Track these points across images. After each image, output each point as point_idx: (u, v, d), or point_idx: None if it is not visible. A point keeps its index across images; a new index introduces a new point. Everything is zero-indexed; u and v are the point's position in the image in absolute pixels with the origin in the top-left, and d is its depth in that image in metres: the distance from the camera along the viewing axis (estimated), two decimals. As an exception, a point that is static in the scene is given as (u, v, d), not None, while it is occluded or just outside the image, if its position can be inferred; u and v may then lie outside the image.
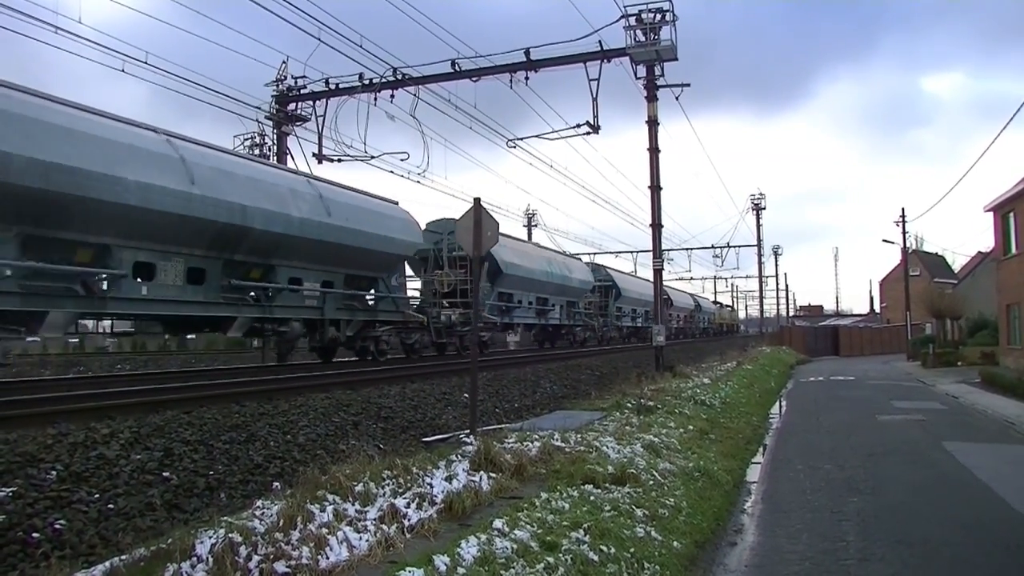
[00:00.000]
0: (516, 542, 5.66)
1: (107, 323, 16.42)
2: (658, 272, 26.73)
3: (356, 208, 19.38)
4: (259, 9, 18.75)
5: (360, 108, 26.32)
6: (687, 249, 64.37)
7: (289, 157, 28.36)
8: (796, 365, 44.70)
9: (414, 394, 14.67)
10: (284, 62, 28.23)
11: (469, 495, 6.86)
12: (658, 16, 23.59)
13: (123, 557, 5.42)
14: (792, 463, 11.90)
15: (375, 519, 5.99)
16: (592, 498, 7.22)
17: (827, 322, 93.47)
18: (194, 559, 4.94)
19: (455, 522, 6.31)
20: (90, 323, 16.65)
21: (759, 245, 67.32)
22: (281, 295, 17.06)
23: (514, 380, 19.24)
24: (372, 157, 26.86)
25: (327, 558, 5.14)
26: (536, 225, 58.27)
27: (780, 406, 22.10)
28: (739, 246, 65.13)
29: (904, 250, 52.82)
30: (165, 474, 8.24)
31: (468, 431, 10.22)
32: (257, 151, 28.95)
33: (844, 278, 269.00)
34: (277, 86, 28.37)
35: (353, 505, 6.23)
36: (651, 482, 8.32)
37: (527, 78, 24.90)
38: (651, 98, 24.86)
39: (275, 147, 29.01)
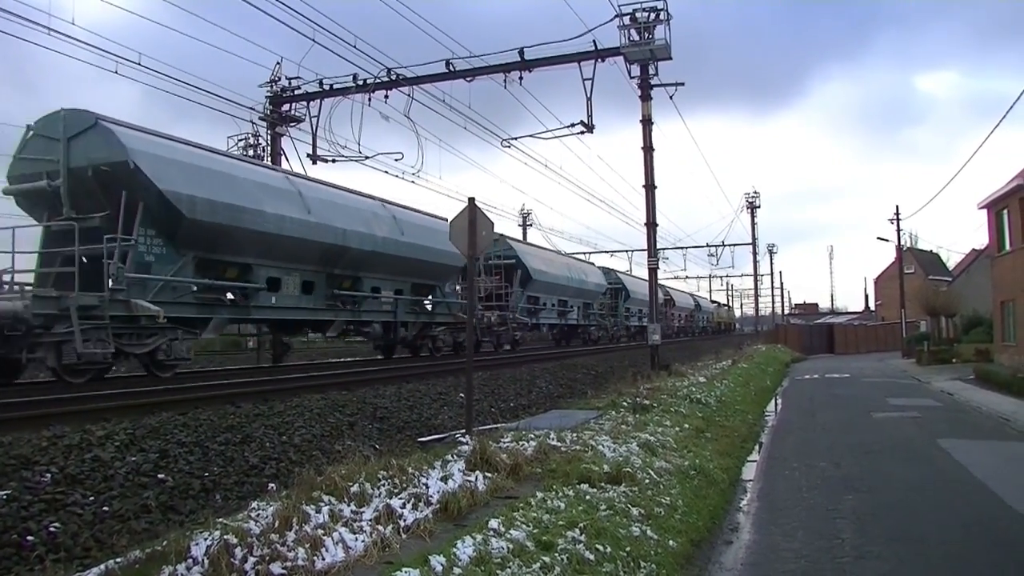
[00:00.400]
0: (512, 542, 5.66)
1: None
2: (653, 271, 26.78)
3: (421, 227, 22.42)
4: (253, 10, 18.74)
5: (354, 108, 26.33)
6: (682, 248, 64.60)
7: (283, 158, 28.33)
8: (791, 363, 44.79)
9: (410, 394, 14.66)
10: (278, 63, 28.25)
11: (465, 495, 6.86)
12: (652, 15, 23.56)
13: (118, 559, 5.41)
14: (788, 461, 11.92)
15: (371, 520, 5.99)
16: (588, 497, 7.23)
17: (822, 320, 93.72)
18: (189, 561, 4.93)
19: (451, 522, 6.31)
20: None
21: (754, 243, 67.63)
22: (366, 302, 20.24)
23: (510, 380, 19.24)
24: (366, 157, 26.88)
25: (323, 559, 5.14)
26: (531, 225, 58.40)
27: (776, 404, 22.14)
28: (734, 245, 65.34)
29: (899, 247, 53.01)
30: (160, 476, 8.22)
31: (464, 431, 10.22)
32: (251, 152, 28.94)
33: (839, 276, 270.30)
34: (271, 87, 28.33)
35: (349, 506, 6.22)
36: (647, 481, 8.32)
37: (521, 78, 24.88)
38: (645, 97, 24.86)
39: (269, 148, 28.98)
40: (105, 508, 7.26)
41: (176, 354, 14.44)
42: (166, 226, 14.33)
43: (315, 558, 5.11)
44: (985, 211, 33.69)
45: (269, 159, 28.03)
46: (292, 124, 28.62)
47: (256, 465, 9.40)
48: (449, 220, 11.22)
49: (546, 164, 35.28)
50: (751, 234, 67.86)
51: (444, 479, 7.22)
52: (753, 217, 67.83)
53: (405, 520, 6.11)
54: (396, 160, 26.78)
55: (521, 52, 24.57)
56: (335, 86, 26.86)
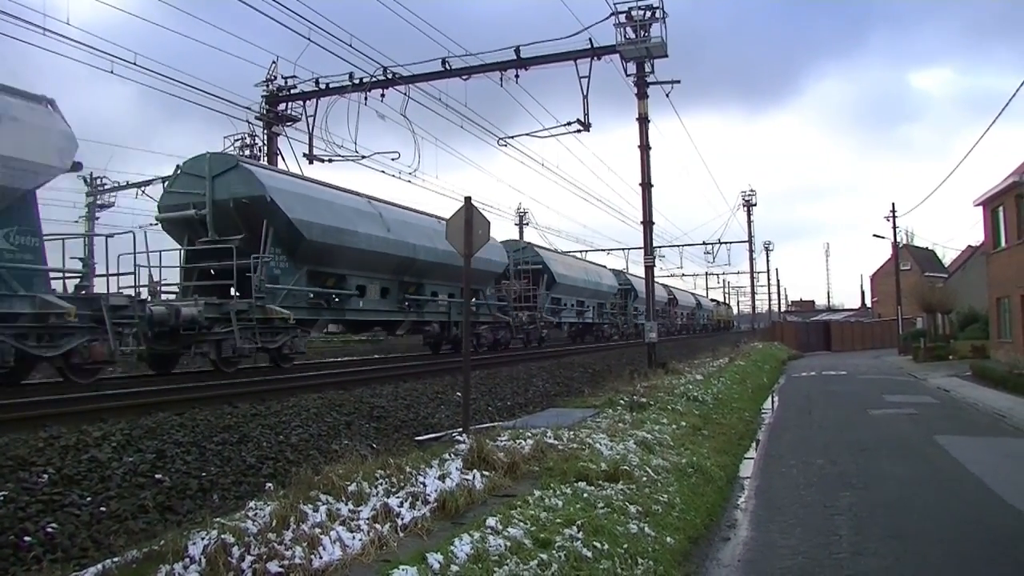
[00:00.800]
0: (509, 540, 5.67)
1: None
2: (649, 269, 26.79)
3: None
4: (248, 9, 18.69)
5: (350, 108, 26.25)
6: (678, 246, 64.66)
7: (279, 158, 28.29)
8: (788, 360, 44.85)
9: (407, 393, 14.65)
10: (274, 62, 28.14)
11: (462, 493, 6.86)
12: (648, 13, 23.56)
13: (115, 559, 5.41)
14: (785, 458, 11.94)
15: (368, 518, 5.99)
16: (585, 495, 7.23)
17: (818, 317, 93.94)
18: (187, 560, 4.94)
19: (448, 520, 6.32)
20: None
21: (750, 241, 67.65)
22: (427, 304, 23.42)
23: (507, 378, 19.24)
24: (363, 157, 26.81)
25: (320, 558, 5.14)
26: (528, 224, 58.38)
27: (772, 401, 22.17)
28: (730, 242, 65.35)
29: (895, 245, 53.08)
30: (157, 476, 8.21)
31: (461, 429, 10.22)
32: (247, 152, 28.88)
33: (835, 273, 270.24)
34: (267, 86, 28.26)
35: (346, 505, 6.23)
36: (644, 479, 8.33)
37: (517, 76, 24.84)
38: (641, 95, 24.85)
39: (265, 148, 28.93)
40: (102, 508, 7.25)
41: (296, 348, 17.88)
42: (289, 246, 17.65)
43: (312, 557, 5.11)
44: (981, 208, 33.76)
45: (265, 159, 27.98)
46: (288, 123, 28.56)
47: (253, 465, 9.39)
48: (446, 219, 11.27)
49: (543, 163, 35.45)
50: (747, 232, 67.95)
51: (441, 478, 7.23)
52: (749, 215, 67.93)
53: (403, 519, 6.12)
54: (392, 159, 26.82)
55: (517, 50, 24.55)
56: (331, 85, 26.81)
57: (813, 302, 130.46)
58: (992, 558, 6.84)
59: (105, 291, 13.70)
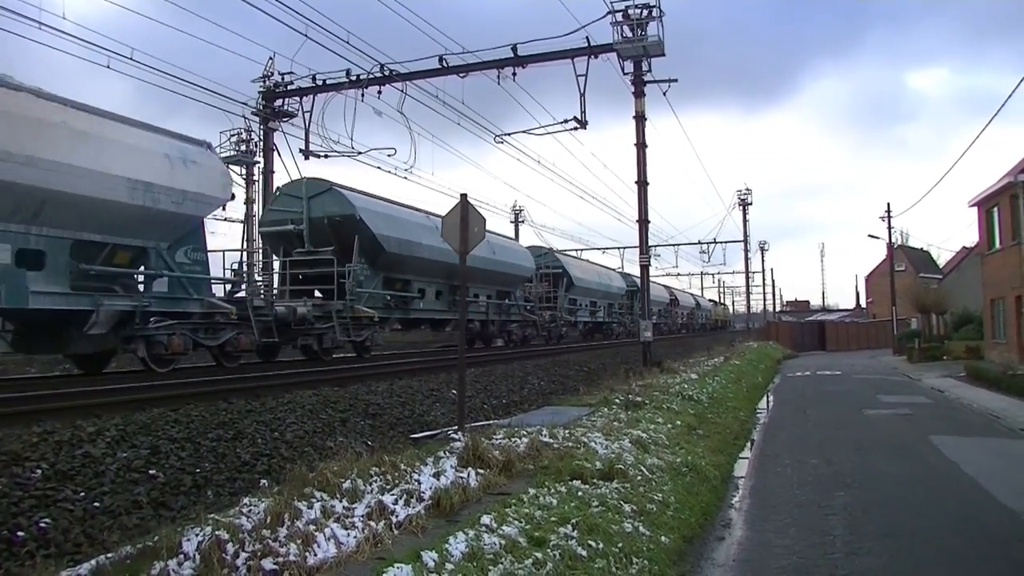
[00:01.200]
0: (504, 538, 5.66)
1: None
2: (645, 268, 26.79)
3: (504, 247, 29.73)
4: (246, 5, 18.67)
5: (347, 104, 26.22)
6: (674, 245, 64.74)
7: (276, 153, 28.26)
8: (783, 360, 44.89)
9: (402, 390, 14.65)
10: (271, 58, 28.10)
11: (457, 491, 6.86)
12: (645, 12, 23.54)
13: (109, 555, 5.39)
14: (779, 458, 11.96)
15: (363, 516, 5.98)
16: (580, 494, 7.23)
17: (813, 317, 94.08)
18: (181, 556, 4.92)
19: (443, 518, 6.31)
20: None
21: (745, 240, 67.56)
22: (472, 305, 26.49)
23: (502, 376, 19.24)
24: (359, 153, 26.80)
25: (315, 555, 5.13)
26: (523, 221, 58.35)
27: (767, 401, 22.21)
28: (726, 242, 65.57)
29: (890, 245, 53.19)
30: (152, 472, 8.20)
31: (456, 427, 10.21)
32: (244, 147, 28.82)
33: (830, 273, 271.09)
34: (264, 82, 28.20)
35: (341, 502, 6.21)
36: (639, 478, 8.33)
37: (515, 74, 24.81)
38: (638, 94, 24.84)
39: (262, 143, 28.88)
40: (96, 504, 7.23)
41: (375, 342, 21.82)
42: (371, 256, 20.71)
43: (307, 554, 5.10)
44: (976, 209, 33.83)
45: (261, 154, 27.94)
46: (285, 119, 28.52)
47: (248, 461, 9.38)
48: (442, 216, 11.30)
49: (539, 160, 35.28)
50: (743, 231, 67.96)
51: (436, 475, 7.22)
52: (745, 214, 67.85)
53: (397, 516, 6.11)
54: (389, 156, 26.85)
55: (514, 48, 24.53)
56: (328, 81, 26.78)
57: (808, 302, 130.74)
58: (986, 557, 6.86)
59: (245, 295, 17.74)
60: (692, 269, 78.73)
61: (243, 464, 9.27)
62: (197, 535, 5.13)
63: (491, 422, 11.87)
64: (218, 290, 17.24)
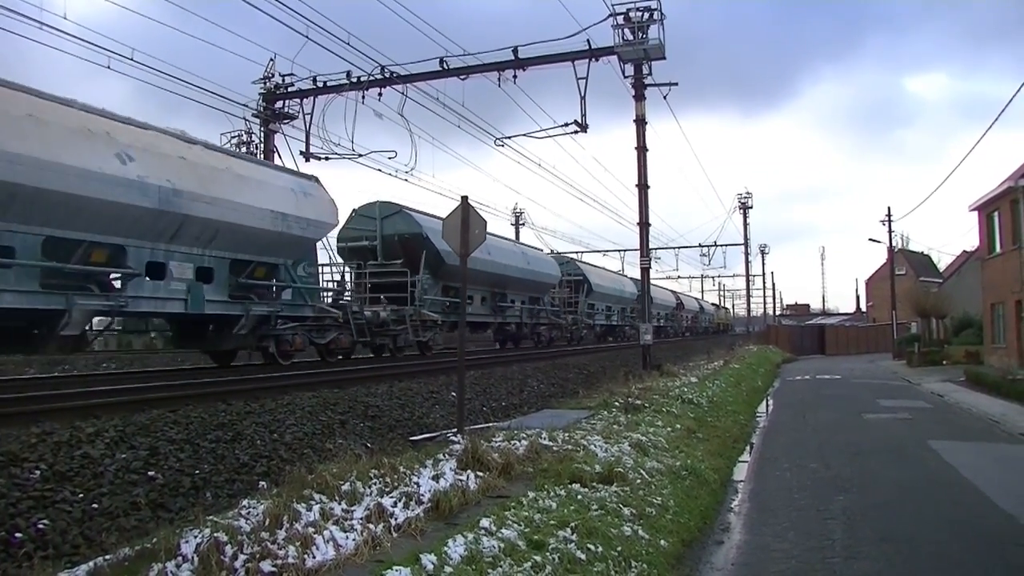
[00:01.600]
0: (503, 541, 5.66)
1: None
2: (645, 271, 26.79)
3: (535, 257, 34.16)
4: (247, 6, 18.65)
5: (348, 106, 26.24)
6: (674, 248, 64.74)
7: (276, 155, 28.24)
8: (782, 364, 44.90)
9: (401, 393, 14.64)
10: (272, 59, 28.05)
11: (456, 494, 6.84)
12: (646, 15, 23.56)
13: (107, 557, 5.38)
14: (779, 462, 11.95)
15: (362, 518, 5.97)
16: (579, 497, 7.22)
17: (813, 321, 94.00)
18: (179, 558, 4.91)
19: (442, 521, 6.30)
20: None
21: (746, 244, 67.58)
22: (509, 309, 30.83)
23: (501, 379, 19.23)
24: (360, 155, 26.83)
25: (313, 557, 5.12)
26: (524, 224, 58.39)
27: (767, 404, 22.19)
28: (726, 245, 65.51)
29: (890, 249, 53.24)
30: (150, 473, 8.19)
31: (455, 430, 10.19)
32: (244, 149, 28.78)
33: (830, 277, 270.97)
34: (264, 84, 28.18)
35: (340, 504, 6.21)
36: (639, 481, 8.32)
37: (515, 76, 24.82)
38: (639, 97, 24.86)
39: (262, 145, 28.87)
40: (94, 505, 7.23)
41: (436, 342, 24.72)
42: (434, 268, 23.78)
43: (306, 556, 5.09)
44: (976, 213, 33.84)
45: (262, 156, 27.91)
46: (285, 121, 28.50)
47: (247, 463, 9.37)
48: (443, 218, 11.33)
49: (539, 163, 35.37)
50: (743, 235, 67.94)
51: (435, 478, 7.21)
52: (745, 217, 67.87)
53: (396, 519, 6.09)
54: (389, 158, 26.90)
55: (515, 51, 24.53)
56: (329, 83, 26.78)
57: (808, 306, 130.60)
58: (984, 562, 6.85)
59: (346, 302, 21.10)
60: (692, 272, 79.14)
61: (242, 466, 9.27)
62: (196, 537, 5.12)
63: (490, 425, 11.86)
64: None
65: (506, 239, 33.20)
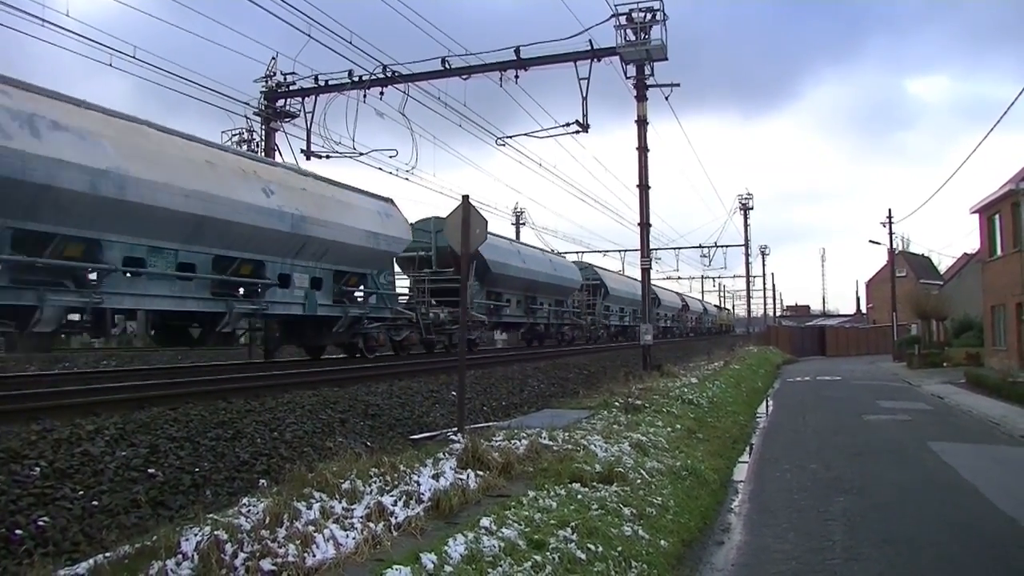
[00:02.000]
0: (503, 540, 5.65)
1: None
2: (646, 271, 26.77)
3: (562, 265, 37.86)
4: (249, 4, 18.65)
5: (349, 105, 26.19)
6: (675, 248, 64.71)
7: (277, 153, 28.23)
8: (783, 365, 44.91)
9: (402, 392, 14.63)
10: (273, 58, 27.99)
11: (456, 493, 6.84)
12: (648, 16, 23.55)
13: (107, 554, 5.37)
14: (779, 462, 11.95)
15: (362, 517, 5.97)
16: (580, 497, 7.22)
17: (814, 322, 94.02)
18: (179, 556, 4.90)
19: (442, 520, 6.30)
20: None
21: (746, 245, 67.50)
22: (539, 311, 33.91)
23: (502, 378, 19.22)
24: (361, 154, 26.82)
25: (313, 556, 5.12)
26: (524, 223, 58.34)
27: (767, 405, 22.20)
28: (726, 246, 65.36)
29: (891, 251, 53.18)
30: (150, 471, 8.18)
31: (456, 429, 10.20)
32: (245, 147, 28.77)
33: (831, 278, 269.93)
34: (266, 82, 28.14)
35: (340, 503, 6.21)
36: (639, 481, 8.32)
37: (517, 76, 24.79)
38: (641, 98, 24.85)
39: (264, 143, 28.86)
40: (94, 503, 7.22)
41: (483, 340, 29.96)
42: (480, 275, 26.87)
43: (306, 555, 5.09)
44: (977, 215, 33.82)
45: (263, 154, 27.91)
46: (287, 120, 28.46)
47: (247, 461, 9.36)
48: (445, 217, 11.38)
49: (540, 163, 35.40)
50: (744, 235, 67.91)
51: (436, 477, 7.20)
52: (746, 218, 67.79)
53: (396, 518, 6.09)
54: (390, 157, 26.93)
55: (517, 51, 24.52)
56: (330, 82, 26.75)
57: (808, 307, 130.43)
58: (984, 564, 6.86)
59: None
60: (693, 273, 79.24)
61: (242, 464, 9.26)
62: (196, 535, 5.12)
63: (491, 424, 11.86)
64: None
65: (536, 248, 37.40)
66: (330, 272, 18.94)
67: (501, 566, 5.23)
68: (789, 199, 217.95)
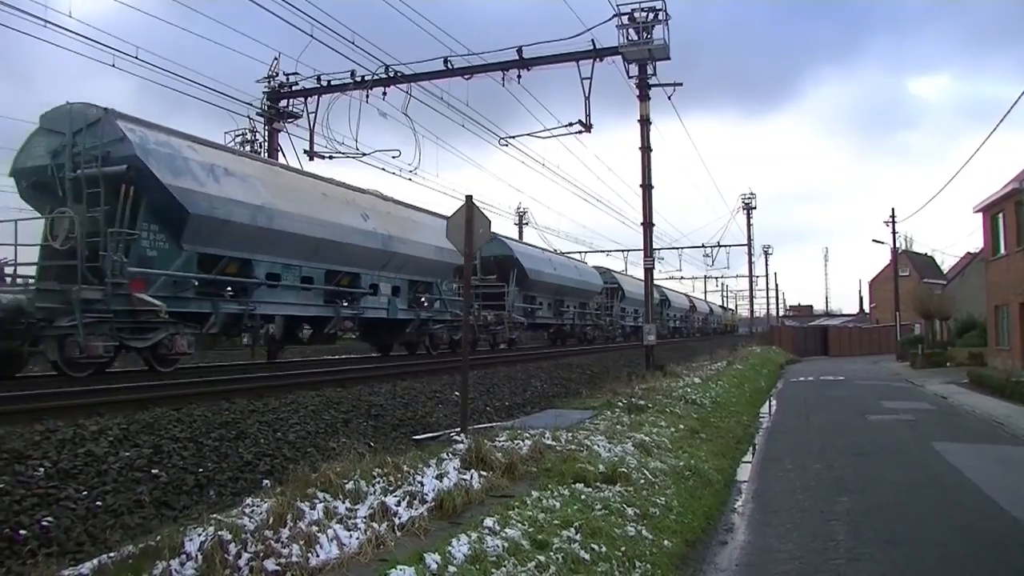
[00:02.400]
0: (507, 540, 5.66)
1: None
2: (649, 271, 26.75)
3: (585, 271, 41.11)
4: (251, 5, 18.68)
5: (352, 105, 26.24)
6: (678, 248, 64.76)
7: (280, 154, 28.25)
8: (786, 365, 44.88)
9: (405, 392, 14.61)
10: (276, 58, 28.09)
11: (460, 493, 6.85)
12: (651, 15, 23.53)
13: (111, 555, 5.39)
14: (782, 462, 11.94)
15: (365, 517, 5.98)
16: (583, 497, 7.22)
17: (816, 322, 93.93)
18: (183, 557, 4.91)
19: (446, 520, 6.30)
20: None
21: (749, 245, 67.68)
22: (566, 313, 36.59)
23: (505, 378, 19.21)
24: (364, 154, 26.84)
25: (317, 556, 5.13)
26: (527, 223, 58.41)
27: (770, 405, 22.18)
28: (729, 246, 65.50)
29: (894, 250, 53.06)
30: (154, 471, 8.18)
31: (459, 429, 10.20)
32: (248, 148, 28.79)
33: (834, 278, 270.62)
34: (269, 83, 28.20)
35: (343, 503, 6.21)
36: (642, 481, 8.32)
37: (519, 76, 24.81)
38: (643, 97, 24.82)
39: (266, 144, 28.90)
40: (98, 503, 7.22)
41: (522, 340, 32.17)
42: (520, 281, 29.92)
43: (309, 555, 5.09)
44: (980, 215, 33.75)
45: (266, 155, 27.93)
46: (289, 120, 28.52)
47: (250, 461, 9.36)
48: (448, 217, 11.40)
49: (543, 163, 35.45)
50: (747, 235, 67.94)
51: (439, 477, 7.21)
52: (749, 218, 67.97)
53: (400, 518, 6.10)
54: (393, 157, 27.00)
55: (519, 51, 24.53)
56: (333, 82, 26.78)
57: (811, 307, 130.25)
58: (988, 564, 6.84)
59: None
60: (696, 272, 79.17)
61: (246, 464, 9.26)
62: (200, 535, 5.13)
63: (494, 424, 11.86)
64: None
65: (563, 255, 41.89)
66: (406, 281, 21.84)
67: (505, 566, 5.23)
68: (792, 199, 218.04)
